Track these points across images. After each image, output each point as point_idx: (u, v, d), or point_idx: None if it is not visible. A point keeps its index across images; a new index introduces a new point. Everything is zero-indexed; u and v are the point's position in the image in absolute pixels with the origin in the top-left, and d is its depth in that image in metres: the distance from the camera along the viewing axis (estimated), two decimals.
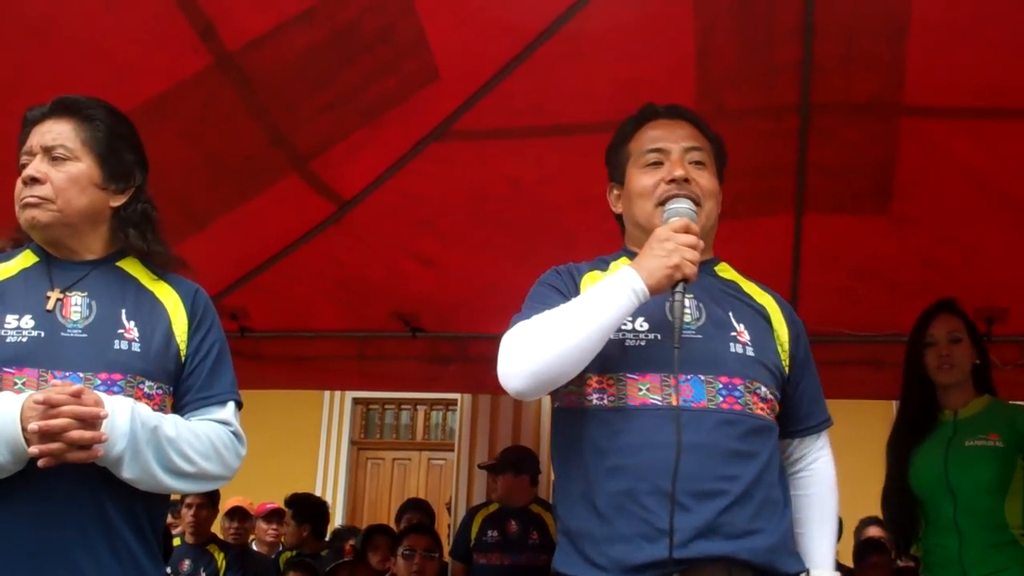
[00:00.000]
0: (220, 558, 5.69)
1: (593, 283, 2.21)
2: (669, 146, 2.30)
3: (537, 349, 2.06)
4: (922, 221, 4.21)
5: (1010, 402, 3.65)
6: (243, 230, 4.00)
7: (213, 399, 2.29)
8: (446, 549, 5.79)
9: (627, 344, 2.14)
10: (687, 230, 2.11)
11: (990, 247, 4.26)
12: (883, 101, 3.68)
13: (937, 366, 3.53)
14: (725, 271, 2.40)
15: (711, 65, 3.57)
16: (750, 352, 2.20)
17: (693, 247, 2.08)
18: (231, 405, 2.33)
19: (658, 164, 2.29)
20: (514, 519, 5.45)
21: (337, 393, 11.33)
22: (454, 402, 7.78)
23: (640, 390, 2.11)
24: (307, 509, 6.41)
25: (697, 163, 2.30)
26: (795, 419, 2.35)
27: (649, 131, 2.36)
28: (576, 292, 2.24)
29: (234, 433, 2.29)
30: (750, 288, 2.38)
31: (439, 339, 5.19)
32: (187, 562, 5.58)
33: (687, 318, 2.16)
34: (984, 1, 3.28)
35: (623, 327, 2.15)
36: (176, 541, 5.75)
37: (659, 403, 2.10)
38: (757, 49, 3.53)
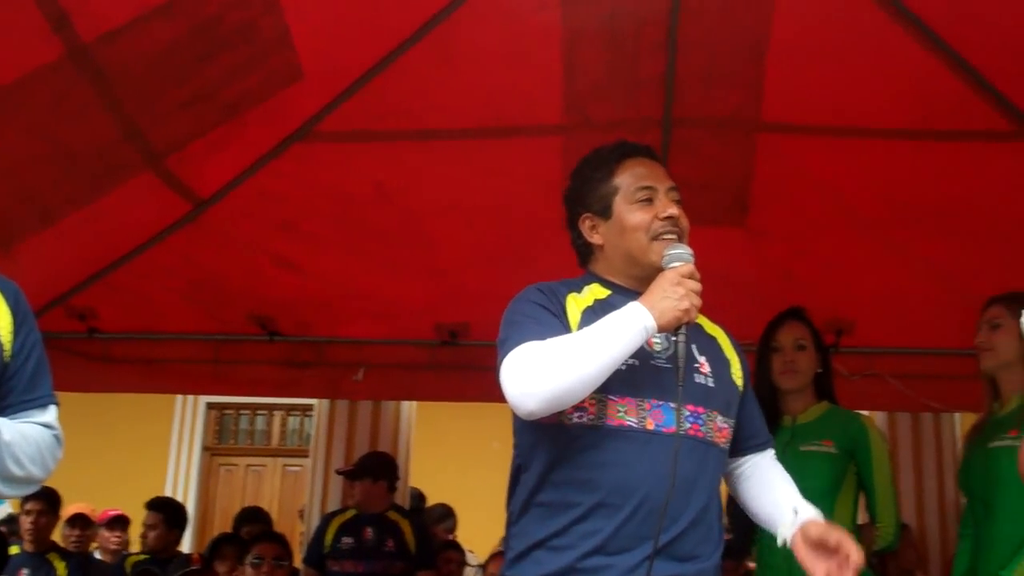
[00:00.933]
0: (61, 567, 5.49)
1: (576, 304, 2.33)
2: (656, 184, 2.39)
3: (556, 373, 2.11)
4: (778, 234, 4.35)
5: (847, 410, 3.77)
6: (94, 227, 3.88)
7: (36, 401, 2.24)
8: (298, 557, 5.72)
9: None
10: (692, 276, 2.21)
11: (842, 261, 4.42)
12: (742, 117, 3.79)
13: (781, 372, 3.64)
14: None
15: (578, 77, 3.63)
16: (711, 383, 2.32)
17: (698, 293, 2.20)
18: (53, 408, 2.28)
19: (649, 201, 2.37)
20: (370, 526, 5.41)
21: (190, 397, 11.08)
22: (311, 407, 7.70)
23: (618, 412, 2.21)
24: (180, 513, 6.24)
25: (678, 202, 2.41)
26: (749, 436, 2.51)
27: (635, 167, 2.43)
28: (562, 311, 2.31)
29: (56, 437, 2.25)
30: (700, 320, 2.46)
31: (297, 343, 5.13)
32: (25, 571, 5.37)
33: (657, 347, 2.28)
34: (840, 26, 3.41)
35: None
36: (14, 549, 5.53)
37: (634, 425, 2.20)
38: (623, 62, 3.60)
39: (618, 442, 2.19)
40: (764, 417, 3.50)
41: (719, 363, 2.40)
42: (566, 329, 2.25)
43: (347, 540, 5.39)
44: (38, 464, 2.17)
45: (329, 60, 3.48)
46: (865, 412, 4.06)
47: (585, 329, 2.19)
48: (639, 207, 2.36)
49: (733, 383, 2.42)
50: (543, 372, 2.11)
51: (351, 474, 5.57)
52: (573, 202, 2.49)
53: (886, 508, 3.61)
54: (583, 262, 2.50)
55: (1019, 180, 3.91)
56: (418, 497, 6.96)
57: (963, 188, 3.98)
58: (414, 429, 6.35)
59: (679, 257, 2.25)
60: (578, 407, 2.20)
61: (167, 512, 6.13)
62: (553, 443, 2.24)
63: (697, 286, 2.20)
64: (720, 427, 2.33)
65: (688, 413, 2.24)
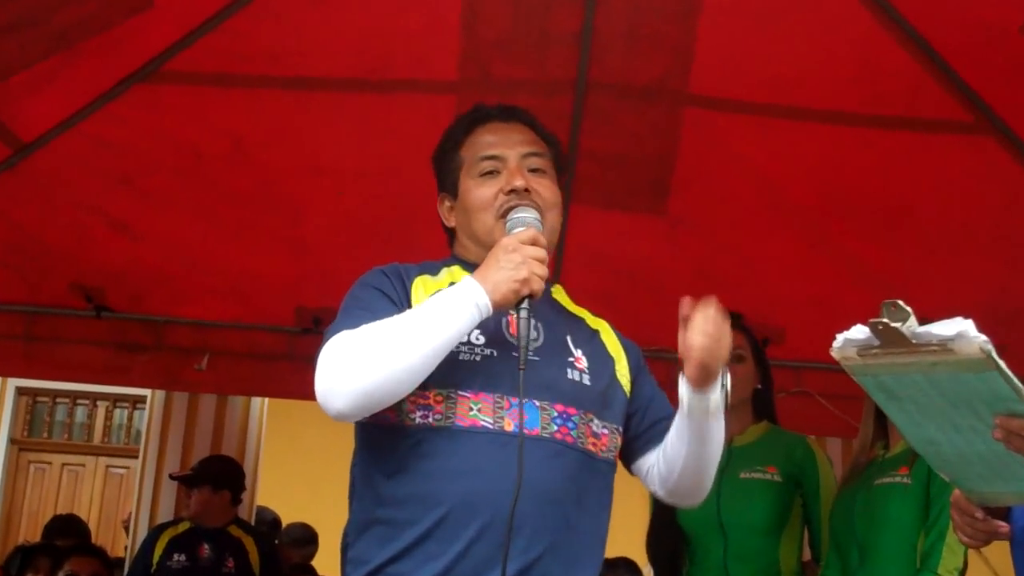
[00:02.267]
0: None
1: (425, 289, 2.29)
2: (505, 152, 2.37)
3: (366, 365, 2.07)
4: (699, 225, 4.43)
5: (790, 431, 3.84)
6: None
7: None
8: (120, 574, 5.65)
9: (461, 358, 2.18)
10: (535, 242, 2.17)
11: (770, 259, 4.51)
12: (668, 86, 3.84)
13: None
14: (559, 293, 2.49)
15: (478, 27, 3.64)
16: (587, 380, 2.27)
17: (541, 260, 2.16)
18: None
19: (494, 173, 2.36)
20: (208, 542, 5.36)
21: None
22: (143, 399, 7.59)
23: (471, 410, 2.16)
24: None
25: (536, 170, 2.37)
26: (659, 424, 2.44)
27: (482, 136, 2.42)
28: (406, 297, 2.27)
29: None
30: (582, 313, 2.48)
31: (130, 321, 5.07)
32: None
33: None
34: None
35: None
36: None
37: (489, 426, 2.14)
38: (533, 13, 3.62)
39: (469, 446, 2.13)
40: None
41: (599, 360, 2.37)
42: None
43: (179, 557, 5.33)
44: None
45: None
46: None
47: (408, 312, 2.17)
48: (482, 181, 2.36)
49: (617, 383, 2.38)
50: (352, 365, 2.07)
51: (188, 480, 5.51)
52: (436, 179, 2.51)
53: None
54: (449, 246, 2.50)
55: (975, 179, 4.02)
56: (272, 523, 6.88)
57: (910, 184, 4.09)
58: (266, 432, 6.31)
59: (521, 222, 2.24)
60: (422, 404, 2.16)
61: None
62: (392, 448, 2.18)
63: (539, 252, 2.16)
64: (597, 432, 2.27)
65: (556, 414, 2.19)
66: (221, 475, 5.50)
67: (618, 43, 3.71)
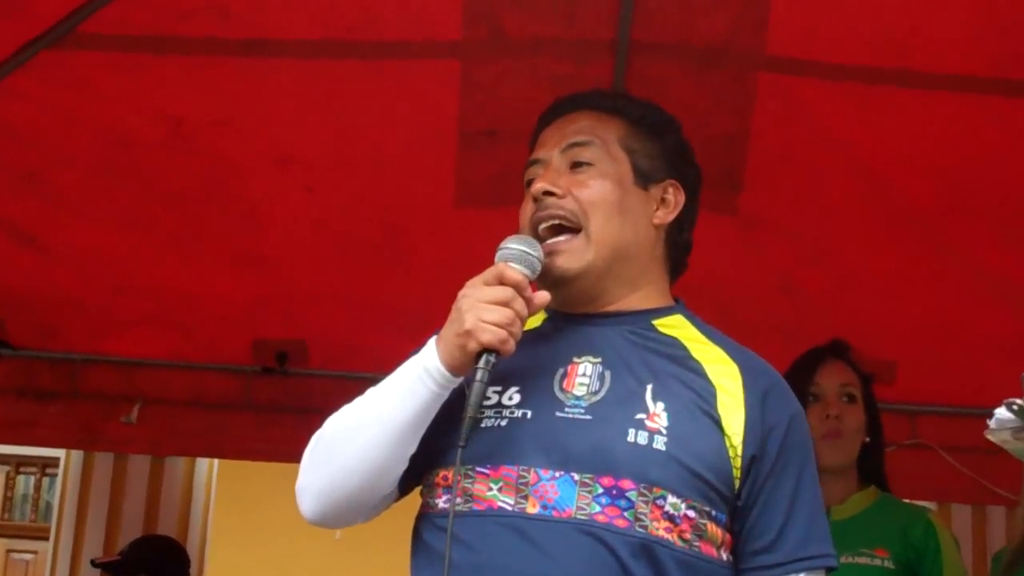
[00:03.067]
0: None
1: None
2: (547, 154, 2.42)
3: (324, 458, 2.18)
4: (781, 228, 4.42)
5: (906, 502, 3.83)
6: None
7: None
8: None
9: (484, 424, 2.20)
10: (500, 280, 2.17)
11: (876, 272, 4.51)
12: (735, 46, 3.84)
13: (822, 433, 3.60)
14: (670, 326, 2.42)
15: None
16: (658, 444, 2.19)
17: (502, 303, 2.15)
18: None
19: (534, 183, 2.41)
20: None
21: None
22: (54, 462, 7.60)
23: (490, 489, 2.18)
24: None
25: (580, 164, 2.39)
26: (749, 551, 2.31)
27: (540, 137, 2.49)
28: None
29: None
30: (704, 352, 2.38)
31: (36, 361, 5.11)
32: None
33: (580, 391, 2.23)
34: None
35: (487, 400, 2.22)
36: None
37: (508, 508, 2.15)
38: None
39: (487, 534, 2.15)
40: None
41: (692, 415, 2.25)
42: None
43: None
44: None
45: None
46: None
47: (372, 390, 2.25)
48: (526, 196, 2.42)
49: (720, 451, 2.24)
50: (315, 457, 2.19)
51: (116, 567, 5.50)
52: None
53: None
54: None
55: None
56: None
57: None
58: (215, 503, 6.30)
59: (503, 255, 2.24)
60: (444, 486, 2.21)
61: None
62: (420, 538, 2.26)
63: (497, 293, 2.16)
64: (673, 515, 2.16)
65: (602, 490, 2.14)
66: (159, 560, 5.49)
67: None
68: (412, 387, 2.15)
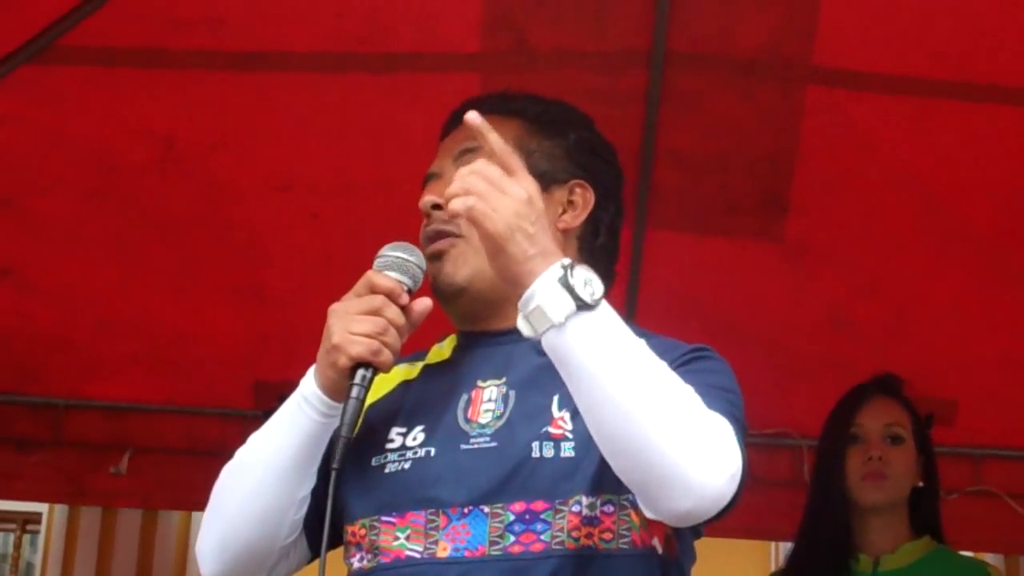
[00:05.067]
0: None
1: (387, 381, 2.36)
2: (441, 164, 2.47)
3: (216, 510, 2.22)
4: (832, 255, 4.42)
5: (963, 555, 3.79)
6: None
7: None
8: None
9: (387, 471, 2.24)
10: (371, 289, 2.21)
11: (935, 303, 4.49)
12: (781, 57, 3.84)
13: (863, 474, 3.66)
14: None
15: None
16: (567, 451, 2.21)
17: (372, 313, 2.18)
18: None
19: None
20: None
21: None
22: (36, 518, 7.59)
23: (396, 538, 2.19)
24: None
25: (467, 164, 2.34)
26: None
27: (439, 149, 2.55)
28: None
29: None
30: None
31: (16, 406, 5.07)
32: None
33: (486, 417, 2.26)
34: None
35: (389, 444, 2.27)
36: None
37: (417, 556, 2.17)
38: None
39: None
40: (827, 552, 3.54)
41: None
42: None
43: None
44: None
45: None
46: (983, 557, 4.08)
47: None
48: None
49: None
50: (209, 513, 2.23)
51: None
52: None
53: None
54: None
55: None
56: None
57: None
58: None
59: (379, 263, 2.27)
60: (356, 543, 2.24)
61: None
62: None
63: (366, 303, 2.19)
64: (589, 516, 2.19)
65: (513, 518, 2.17)
66: None
67: None
68: (292, 419, 2.18)
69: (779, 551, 10.00)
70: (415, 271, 2.25)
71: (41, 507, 6.32)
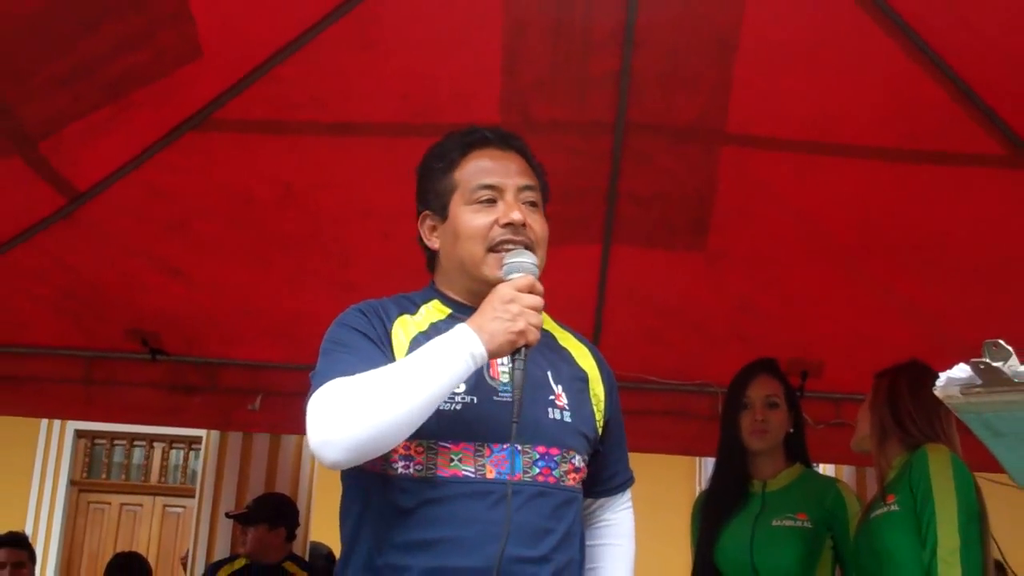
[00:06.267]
0: None
1: (405, 331, 2.24)
2: (504, 182, 2.29)
3: (362, 416, 2.00)
4: (739, 261, 4.39)
5: (822, 475, 3.82)
6: None
7: None
8: None
9: (441, 408, 2.11)
10: (532, 289, 2.12)
11: (811, 294, 4.47)
12: (704, 126, 3.81)
13: (750, 431, 3.70)
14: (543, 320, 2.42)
15: (519, 69, 3.62)
16: (567, 418, 2.25)
17: (538, 308, 2.11)
18: None
19: (491, 203, 2.27)
20: None
21: (56, 423, 10.90)
22: (198, 440, 7.59)
23: (452, 460, 2.13)
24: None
25: (531, 204, 2.30)
26: (600, 479, 2.44)
27: (479, 160, 2.33)
28: (387, 338, 2.22)
29: None
30: (566, 340, 2.44)
31: (184, 364, 5.07)
32: None
33: (504, 378, 2.20)
34: (818, 27, 3.43)
35: None
36: None
37: (471, 475, 2.12)
38: (571, 56, 3.60)
39: (453, 496, 2.11)
40: (732, 479, 3.52)
41: (577, 393, 2.33)
42: (389, 359, 2.16)
43: None
44: None
45: (233, 37, 3.44)
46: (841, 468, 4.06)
47: (400, 360, 2.12)
48: (478, 209, 2.27)
49: (593, 417, 2.36)
50: (346, 416, 2.01)
51: (245, 518, 5.48)
52: (417, 198, 2.44)
53: None
54: (428, 268, 2.46)
55: (1011, 212, 3.96)
56: (327, 557, 6.84)
57: (948, 218, 4.04)
58: (318, 469, 6.27)
59: (519, 267, 2.17)
60: (404, 455, 2.14)
61: (31, 550, 6.07)
62: (381, 497, 2.16)
63: (536, 301, 2.11)
64: (578, 467, 2.27)
65: (538, 456, 2.18)
66: (276, 513, 5.48)
67: (656, 84, 3.68)
68: (455, 367, 2.03)
69: (702, 466, 9.99)
70: (537, 273, 2.19)
71: (201, 432, 6.31)
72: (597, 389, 2.39)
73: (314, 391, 2.08)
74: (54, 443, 10.97)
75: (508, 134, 2.41)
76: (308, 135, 3.90)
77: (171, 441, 11.19)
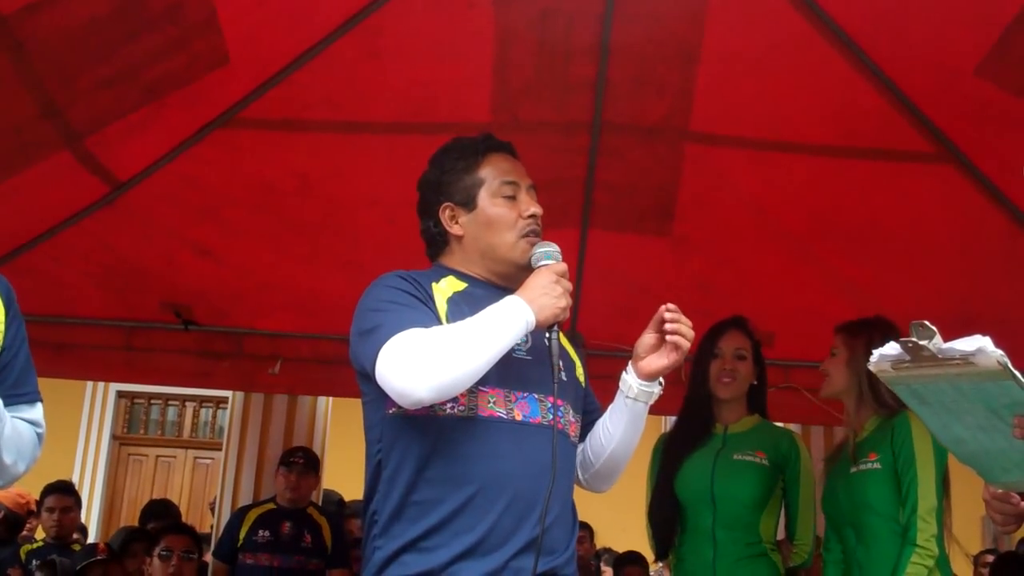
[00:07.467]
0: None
1: (440, 295, 2.31)
2: (521, 181, 2.41)
3: (447, 363, 2.08)
4: (700, 244, 4.40)
5: (778, 425, 3.83)
6: (6, 206, 3.78)
7: (24, 397, 2.22)
8: (208, 550, 5.64)
9: None
10: (564, 275, 2.25)
11: (763, 273, 4.47)
12: (670, 125, 3.81)
13: (718, 378, 3.67)
14: None
15: (508, 75, 3.62)
16: (564, 376, 2.33)
17: (568, 291, 2.24)
18: (39, 406, 2.26)
19: (512, 198, 2.38)
20: (289, 520, 5.34)
21: (100, 385, 10.90)
22: (224, 400, 7.59)
23: (489, 402, 2.21)
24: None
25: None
26: (590, 422, 2.53)
27: (500, 162, 2.43)
28: (431, 300, 2.29)
29: (39, 435, 2.22)
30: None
31: (212, 333, 5.07)
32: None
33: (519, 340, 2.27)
34: (767, 37, 3.43)
35: None
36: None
37: (503, 416, 2.22)
38: (554, 64, 3.59)
39: (490, 433, 2.19)
40: (697, 422, 3.48)
41: (568, 359, 2.44)
42: (435, 317, 2.24)
43: (264, 533, 5.30)
44: (23, 461, 2.15)
45: (256, 46, 3.43)
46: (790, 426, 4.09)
47: (470, 320, 2.17)
48: (504, 202, 2.38)
49: (578, 380, 2.47)
50: (434, 360, 2.07)
51: (303, 467, 5.48)
52: (432, 190, 2.48)
53: (805, 527, 3.66)
54: (434, 252, 2.50)
55: (936, 203, 3.99)
56: (339, 503, 6.86)
57: (882, 208, 4.05)
58: (330, 425, 6.29)
59: (551, 255, 2.29)
60: (452, 398, 2.19)
61: (77, 497, 6.08)
62: (424, 436, 2.20)
63: (570, 286, 2.24)
64: (572, 421, 2.37)
65: (550, 405, 2.27)
66: (314, 462, 5.55)
67: (628, 89, 3.69)
68: (515, 329, 2.14)
69: (666, 424, 10.03)
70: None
71: (228, 393, 6.32)
72: (579, 366, 2.51)
73: (386, 339, 2.12)
74: (98, 402, 10.98)
75: (511, 144, 2.52)
76: (322, 132, 3.90)
77: (201, 401, 11.20)
